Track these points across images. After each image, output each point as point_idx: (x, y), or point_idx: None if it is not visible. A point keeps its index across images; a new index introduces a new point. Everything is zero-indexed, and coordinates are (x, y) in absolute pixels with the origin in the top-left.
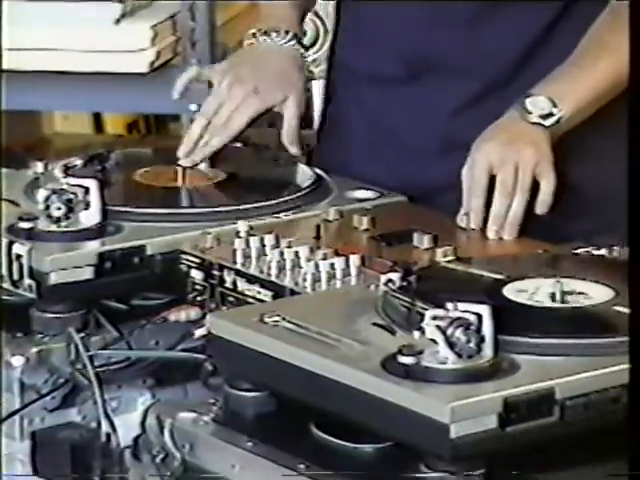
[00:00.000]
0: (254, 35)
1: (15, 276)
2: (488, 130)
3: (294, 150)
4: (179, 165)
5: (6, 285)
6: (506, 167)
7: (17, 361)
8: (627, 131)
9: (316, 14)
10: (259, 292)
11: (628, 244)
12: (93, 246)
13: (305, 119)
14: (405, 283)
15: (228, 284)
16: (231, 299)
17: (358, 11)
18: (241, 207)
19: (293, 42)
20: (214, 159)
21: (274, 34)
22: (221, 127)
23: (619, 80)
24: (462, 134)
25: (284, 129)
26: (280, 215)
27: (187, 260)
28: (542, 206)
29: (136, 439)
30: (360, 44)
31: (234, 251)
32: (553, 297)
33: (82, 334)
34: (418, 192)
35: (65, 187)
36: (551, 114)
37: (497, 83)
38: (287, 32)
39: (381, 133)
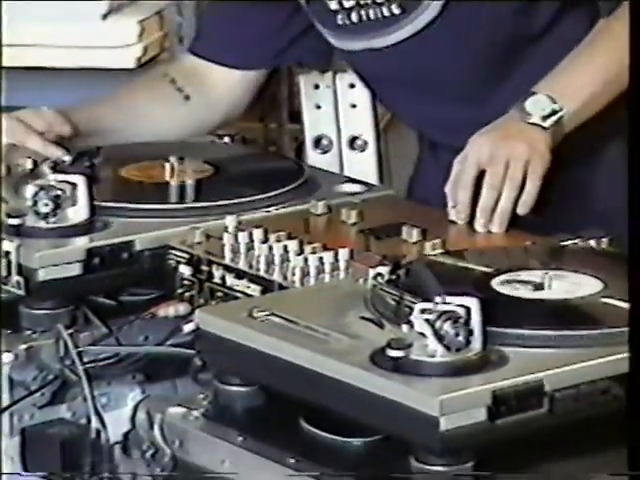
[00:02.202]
0: None
1: (3, 273)
2: (485, 127)
3: None
4: (167, 160)
5: None
6: (497, 162)
7: (6, 358)
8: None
9: None
10: (248, 287)
11: (629, 239)
12: (81, 242)
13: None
14: (394, 277)
15: (217, 279)
16: (220, 294)
17: None
18: (229, 202)
19: None
20: (202, 154)
21: None
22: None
23: (620, 70)
24: None
25: None
26: (268, 210)
27: (176, 255)
28: (523, 206)
29: (126, 435)
30: None
31: (222, 246)
32: (541, 289)
33: (71, 330)
34: None
35: (53, 183)
36: (553, 113)
37: None
38: None
39: None
